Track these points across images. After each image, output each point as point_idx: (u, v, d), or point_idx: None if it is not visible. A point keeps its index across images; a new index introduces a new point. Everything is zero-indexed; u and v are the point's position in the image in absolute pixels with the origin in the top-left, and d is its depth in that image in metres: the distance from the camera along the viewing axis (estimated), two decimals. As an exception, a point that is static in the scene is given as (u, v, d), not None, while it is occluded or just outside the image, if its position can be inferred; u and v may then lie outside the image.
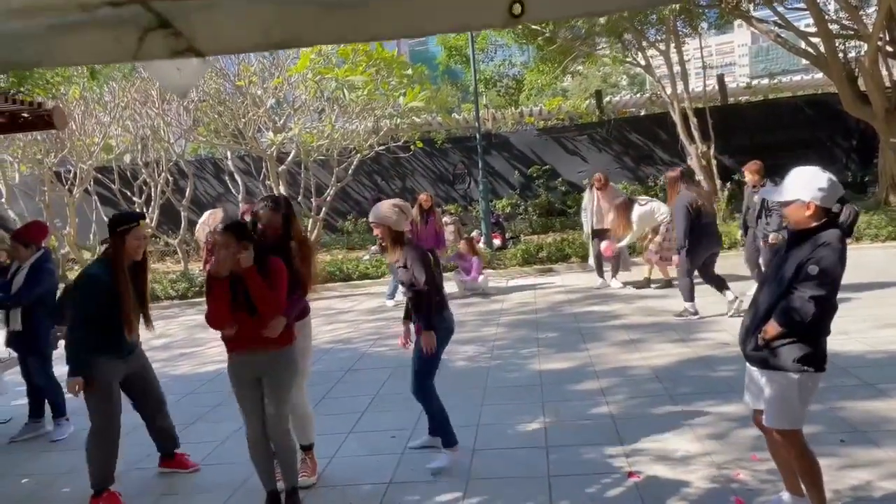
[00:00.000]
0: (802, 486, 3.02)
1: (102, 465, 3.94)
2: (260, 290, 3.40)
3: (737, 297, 7.04)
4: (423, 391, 4.11)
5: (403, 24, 0.84)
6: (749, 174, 7.68)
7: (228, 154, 16.10)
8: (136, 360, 4.22)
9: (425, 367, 4.06)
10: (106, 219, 16.88)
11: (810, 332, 2.86)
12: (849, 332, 5.87)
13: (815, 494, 2.89)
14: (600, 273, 9.61)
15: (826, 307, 2.84)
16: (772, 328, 2.87)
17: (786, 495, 3.10)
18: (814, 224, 2.85)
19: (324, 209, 15.90)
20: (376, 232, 4.15)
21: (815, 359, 2.87)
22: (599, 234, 9.47)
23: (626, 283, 9.46)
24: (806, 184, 2.86)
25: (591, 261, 9.84)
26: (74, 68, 11.24)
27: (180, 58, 0.84)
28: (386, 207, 4.06)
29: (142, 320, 4.16)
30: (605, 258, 9.47)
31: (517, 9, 0.79)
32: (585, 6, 0.90)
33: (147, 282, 4.20)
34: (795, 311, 2.82)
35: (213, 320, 3.49)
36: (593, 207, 9.49)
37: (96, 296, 3.87)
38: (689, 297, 7.27)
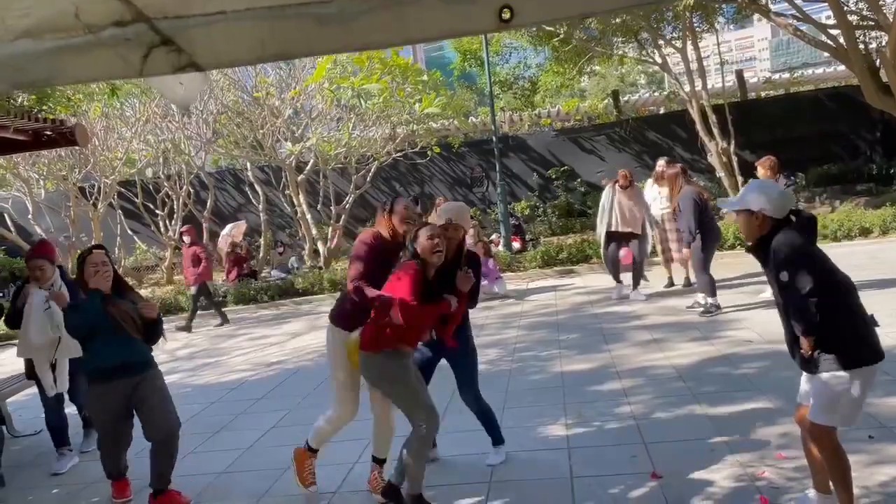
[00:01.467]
0: (831, 485, 2.97)
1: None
2: (464, 300, 3.58)
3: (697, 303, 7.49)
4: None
5: (394, 34, 0.85)
6: (762, 170, 7.35)
7: (248, 165, 16.30)
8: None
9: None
10: (130, 232, 17.23)
11: (841, 329, 2.82)
12: (876, 326, 5.76)
13: (842, 492, 2.85)
14: (617, 276, 8.70)
15: (824, 301, 2.80)
16: (806, 343, 2.86)
17: (812, 493, 3.06)
18: (765, 233, 2.94)
19: (343, 217, 16.01)
20: (450, 233, 3.77)
21: (854, 356, 2.81)
22: (617, 238, 8.53)
23: (649, 295, 8.61)
24: (756, 194, 2.96)
25: (606, 265, 8.91)
26: (96, 85, 11.44)
27: (182, 73, 0.87)
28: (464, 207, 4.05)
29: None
30: (624, 266, 8.64)
31: (506, 14, 0.80)
32: (575, 7, 0.90)
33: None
34: (804, 318, 2.82)
35: (410, 313, 3.35)
36: (612, 207, 8.42)
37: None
38: (712, 291, 7.20)
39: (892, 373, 4.75)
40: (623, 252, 8.49)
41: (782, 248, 2.85)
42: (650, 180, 9.14)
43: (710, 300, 7.21)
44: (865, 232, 10.96)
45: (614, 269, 8.67)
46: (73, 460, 5.06)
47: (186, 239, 10.51)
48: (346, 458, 4.45)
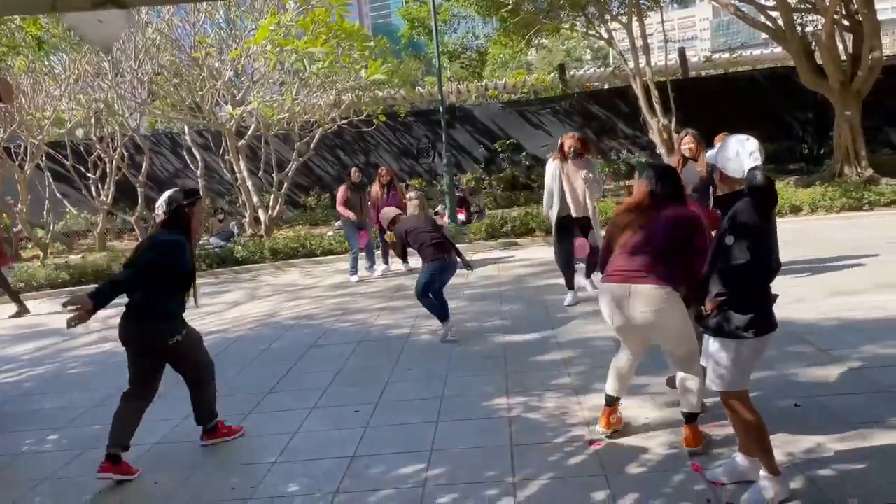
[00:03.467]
0: None
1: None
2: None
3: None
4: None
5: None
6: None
7: (186, 128, 15.75)
8: None
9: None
10: (60, 196, 16.50)
11: (748, 299, 2.94)
12: (803, 300, 6.01)
13: (762, 455, 2.97)
14: (570, 283, 7.07)
15: (754, 272, 2.91)
16: (711, 304, 2.98)
17: (739, 457, 3.18)
18: (728, 191, 3.06)
19: (286, 184, 15.70)
20: None
21: (755, 324, 2.93)
22: (569, 225, 6.90)
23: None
24: (723, 152, 3.06)
25: (586, 282, 7.25)
26: (20, 36, 10.79)
27: (101, 9, 0.79)
28: None
29: None
30: (578, 258, 7.07)
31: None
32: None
33: None
34: (726, 280, 2.93)
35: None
36: (560, 186, 6.79)
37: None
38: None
39: (816, 344, 4.96)
40: (578, 242, 6.85)
41: (739, 220, 2.90)
42: (549, 156, 9.16)
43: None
44: (796, 209, 11.36)
45: (568, 268, 7.04)
46: None
47: None
48: (284, 429, 4.40)
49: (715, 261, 3.04)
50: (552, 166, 6.96)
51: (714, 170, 3.12)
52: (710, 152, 3.33)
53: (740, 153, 3.00)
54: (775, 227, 3.03)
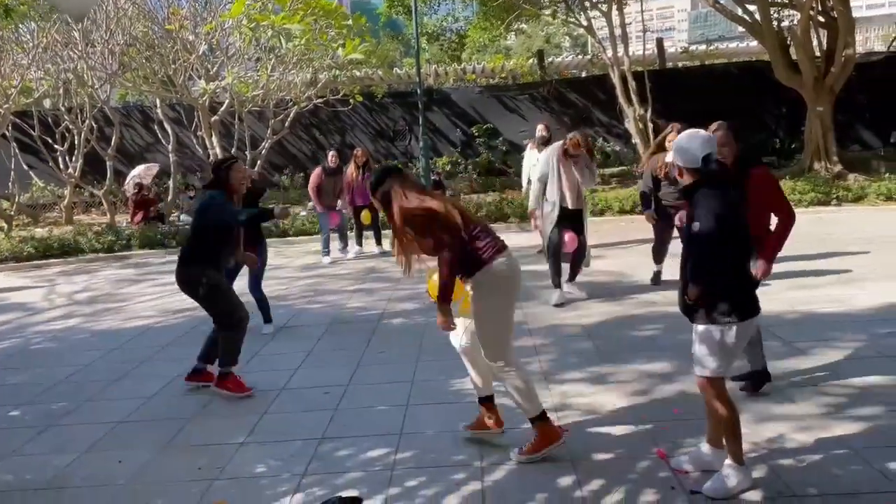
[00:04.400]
0: (723, 440, 3.15)
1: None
2: None
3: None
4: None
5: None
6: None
7: (158, 102, 15.45)
8: None
9: None
10: (26, 167, 16.10)
11: (724, 285, 3.00)
12: (768, 293, 6.10)
13: (732, 443, 3.03)
14: (557, 281, 6.63)
15: (728, 257, 2.98)
16: (693, 291, 3.02)
17: (705, 447, 3.23)
18: (689, 182, 3.09)
19: (259, 163, 15.50)
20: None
21: (736, 309, 2.99)
22: (561, 217, 6.47)
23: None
24: (675, 146, 3.14)
25: (550, 258, 6.71)
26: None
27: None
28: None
29: None
30: (567, 254, 6.66)
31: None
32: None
33: None
34: (701, 268, 3.01)
35: None
36: (559, 179, 6.43)
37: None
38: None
39: (780, 335, 5.06)
40: (568, 237, 6.49)
41: (704, 208, 2.98)
42: (529, 145, 9.50)
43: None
44: (766, 203, 11.52)
45: (557, 265, 6.62)
46: None
47: None
48: (253, 409, 4.38)
49: (689, 250, 3.10)
50: (546, 154, 6.65)
51: (674, 166, 3.18)
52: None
53: (692, 144, 3.07)
54: (743, 210, 3.08)
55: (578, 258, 6.73)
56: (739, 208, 3.05)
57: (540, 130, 9.30)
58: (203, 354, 4.87)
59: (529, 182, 9.38)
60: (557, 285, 6.65)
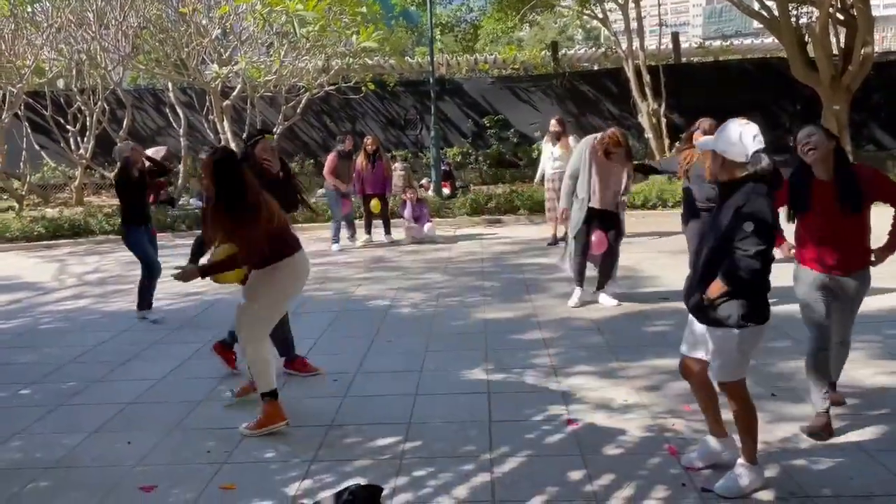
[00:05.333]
0: (726, 429, 3.16)
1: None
2: None
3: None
4: None
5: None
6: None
7: (170, 85, 15.43)
8: None
9: None
10: (37, 146, 16.13)
11: (752, 287, 2.92)
12: (781, 292, 6.06)
13: (748, 441, 3.01)
14: (582, 276, 6.26)
15: (766, 260, 2.90)
16: (716, 287, 2.90)
17: (711, 439, 3.21)
18: (738, 176, 2.88)
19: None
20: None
21: (756, 313, 2.93)
22: (590, 217, 6.05)
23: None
24: (720, 135, 2.94)
25: (568, 264, 6.43)
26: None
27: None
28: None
29: None
30: (593, 256, 6.26)
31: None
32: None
33: None
34: (740, 268, 2.85)
35: None
36: (590, 177, 5.99)
37: None
38: None
39: (794, 336, 5.01)
40: (595, 237, 6.07)
41: (759, 206, 2.82)
42: (545, 138, 9.64)
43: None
44: (778, 201, 11.45)
45: (580, 264, 6.24)
46: None
47: None
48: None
49: (724, 248, 2.90)
50: (579, 147, 6.23)
51: (714, 157, 2.99)
52: (705, 139, 3.24)
53: (743, 136, 2.86)
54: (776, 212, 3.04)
55: (608, 264, 6.24)
56: (775, 210, 3.00)
57: (553, 126, 9.34)
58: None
59: (543, 176, 9.54)
60: (579, 284, 6.27)
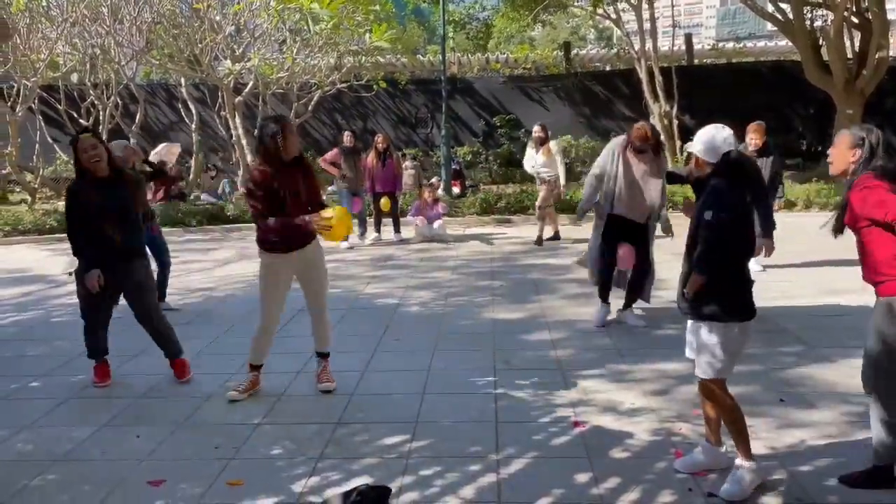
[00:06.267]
0: (721, 439, 3.19)
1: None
2: None
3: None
4: None
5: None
6: (753, 135, 6.67)
7: (182, 81, 15.50)
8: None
9: None
10: (50, 140, 16.23)
11: (730, 282, 3.00)
12: (793, 297, 6.04)
13: (740, 441, 3.02)
14: (606, 291, 5.61)
15: (731, 252, 2.98)
16: (694, 281, 3.01)
17: (698, 451, 3.23)
18: (702, 175, 3.15)
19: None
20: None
21: (738, 309, 2.99)
22: (616, 229, 5.42)
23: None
24: (697, 138, 3.19)
25: (592, 265, 5.78)
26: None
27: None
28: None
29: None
30: (620, 271, 5.65)
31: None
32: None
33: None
34: (703, 258, 2.98)
35: None
36: (616, 179, 5.31)
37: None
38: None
39: (805, 340, 4.99)
40: (622, 251, 5.41)
41: (715, 195, 2.99)
42: (529, 143, 9.69)
43: None
44: (790, 205, 11.38)
45: (602, 274, 5.58)
46: None
47: None
48: (271, 392, 4.39)
49: (694, 240, 3.05)
50: (608, 147, 5.56)
51: (694, 160, 3.21)
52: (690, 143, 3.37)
53: (716, 139, 3.12)
54: (751, 209, 3.08)
55: (636, 280, 5.53)
56: (750, 206, 3.05)
57: (536, 131, 9.36)
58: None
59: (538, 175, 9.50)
60: (604, 299, 5.57)
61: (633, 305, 5.71)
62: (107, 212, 4.30)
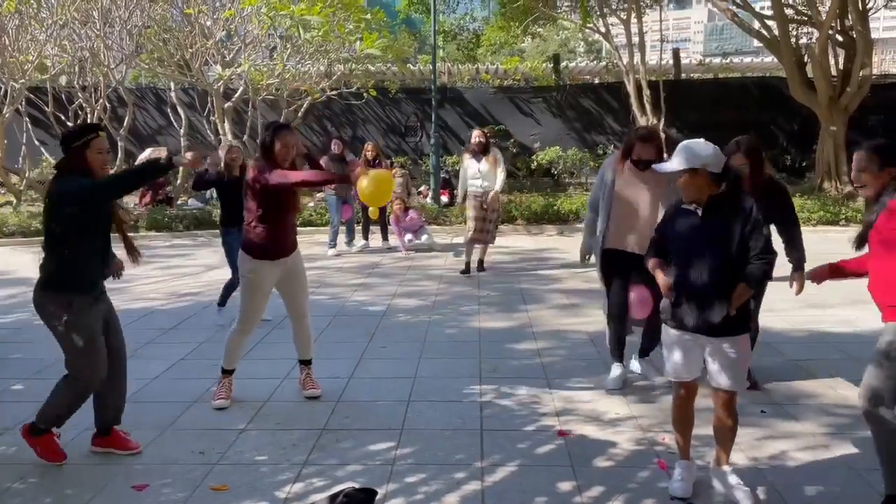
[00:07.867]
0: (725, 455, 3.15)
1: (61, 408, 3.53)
2: None
3: None
4: None
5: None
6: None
7: (172, 85, 15.47)
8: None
9: None
10: (37, 142, 16.12)
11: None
12: (776, 311, 6.10)
13: (729, 448, 3.12)
14: (617, 352, 4.52)
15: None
16: (743, 293, 2.92)
17: (685, 472, 3.17)
18: (720, 187, 2.97)
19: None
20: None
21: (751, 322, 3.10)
22: (621, 264, 4.35)
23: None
24: (696, 154, 2.95)
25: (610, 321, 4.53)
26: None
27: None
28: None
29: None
30: (636, 321, 4.49)
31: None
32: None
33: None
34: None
35: None
36: (610, 202, 4.36)
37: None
38: None
39: (786, 354, 5.06)
40: (635, 295, 4.22)
41: (756, 208, 2.94)
42: (465, 154, 8.09)
43: None
44: (774, 220, 11.50)
45: (618, 330, 4.51)
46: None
47: None
48: (257, 397, 4.39)
49: (740, 256, 2.93)
50: (602, 169, 4.48)
51: (695, 175, 2.94)
52: (665, 164, 3.08)
53: (689, 146, 2.97)
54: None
55: (655, 326, 4.08)
56: None
57: (476, 136, 7.90)
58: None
59: (466, 194, 8.00)
60: (617, 358, 4.52)
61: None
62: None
